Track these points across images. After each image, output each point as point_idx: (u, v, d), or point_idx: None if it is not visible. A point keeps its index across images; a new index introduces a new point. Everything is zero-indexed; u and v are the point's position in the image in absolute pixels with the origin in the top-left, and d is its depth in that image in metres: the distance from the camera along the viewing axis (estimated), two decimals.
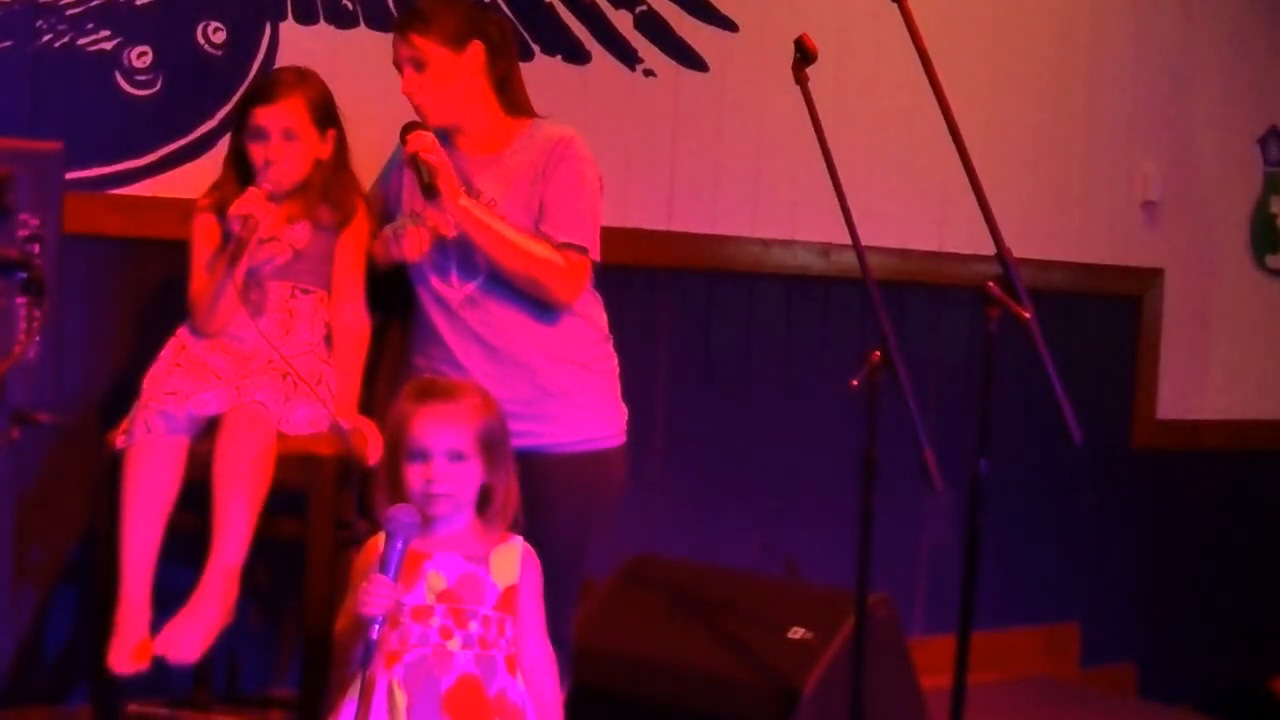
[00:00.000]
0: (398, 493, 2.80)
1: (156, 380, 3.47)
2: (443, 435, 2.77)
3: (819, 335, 5.09)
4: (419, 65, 3.49)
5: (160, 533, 3.34)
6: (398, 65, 3.53)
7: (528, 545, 2.85)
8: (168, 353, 3.57)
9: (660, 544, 4.71)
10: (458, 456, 2.77)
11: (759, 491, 5.04)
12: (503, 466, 2.82)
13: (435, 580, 2.75)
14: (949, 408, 4.79)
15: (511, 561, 2.80)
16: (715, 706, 4.05)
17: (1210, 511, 6.01)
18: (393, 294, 3.69)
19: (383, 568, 2.69)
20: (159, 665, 3.28)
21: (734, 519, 5.00)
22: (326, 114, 3.66)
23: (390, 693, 2.70)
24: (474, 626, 2.73)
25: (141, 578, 3.31)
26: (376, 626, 2.67)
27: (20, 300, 2.34)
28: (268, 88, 3.63)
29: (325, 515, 3.39)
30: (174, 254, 3.76)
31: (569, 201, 3.51)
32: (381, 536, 2.78)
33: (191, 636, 3.26)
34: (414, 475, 2.76)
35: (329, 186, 3.65)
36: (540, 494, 3.28)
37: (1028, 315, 3.24)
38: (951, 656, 3.45)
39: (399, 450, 2.77)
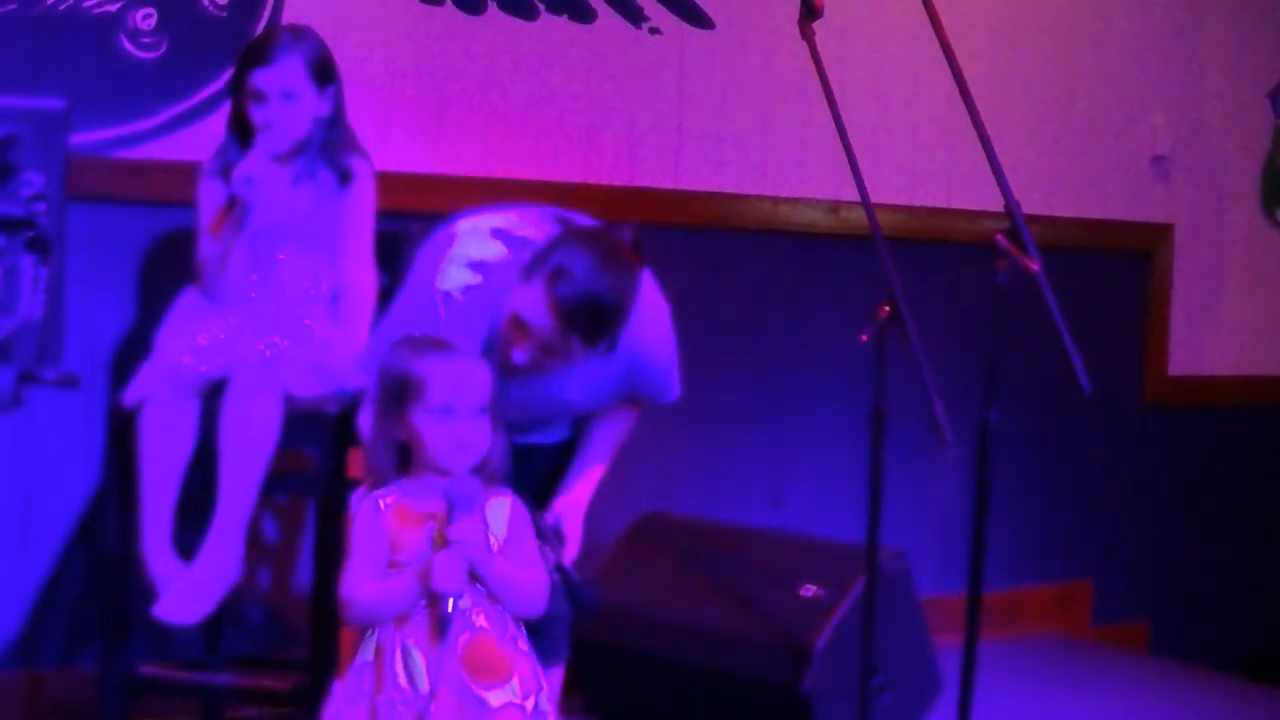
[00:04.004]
0: (399, 449, 2.80)
1: (166, 340, 3.48)
2: (468, 391, 2.76)
3: (827, 293, 5.09)
4: None
5: (176, 490, 3.36)
6: None
7: (515, 497, 2.86)
8: (175, 314, 3.58)
9: (669, 502, 4.72)
10: (481, 412, 2.77)
11: (768, 449, 5.05)
12: (497, 423, 2.83)
13: (439, 539, 2.75)
14: (958, 365, 4.76)
15: (501, 514, 2.81)
16: (726, 664, 4.07)
17: (1222, 467, 6.01)
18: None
19: (449, 542, 2.69)
20: (166, 628, 3.30)
21: (743, 476, 5.02)
22: (325, 71, 3.65)
23: (407, 654, 2.71)
24: (478, 583, 2.73)
25: (165, 533, 3.34)
26: (453, 601, 2.69)
27: (26, 259, 2.35)
28: (263, 49, 3.61)
29: (332, 474, 3.40)
30: (179, 217, 3.77)
31: None
32: (374, 495, 2.78)
33: (194, 597, 3.28)
34: (439, 431, 2.74)
35: (329, 145, 3.64)
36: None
37: (1035, 267, 3.24)
38: (962, 615, 3.45)
39: (413, 406, 2.75)
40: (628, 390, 3.33)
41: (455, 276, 3.15)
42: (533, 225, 3.17)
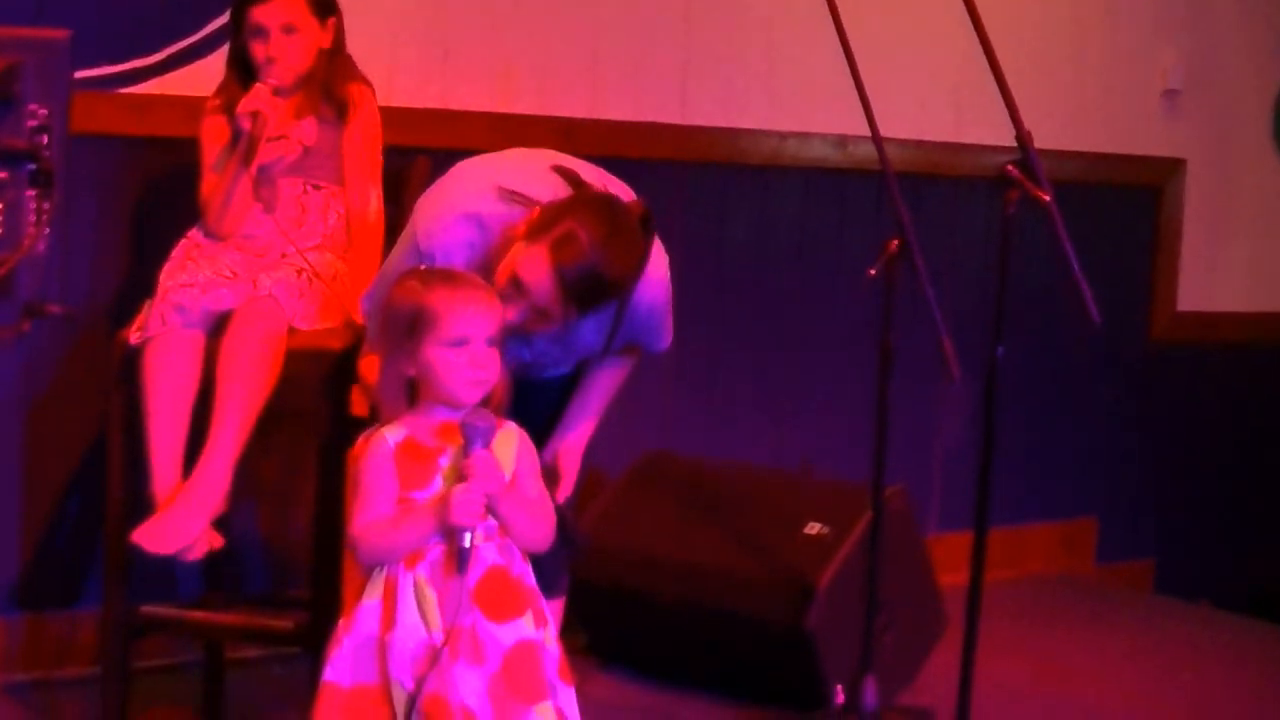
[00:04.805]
0: (407, 385, 2.80)
1: (171, 276, 3.49)
2: (481, 321, 2.76)
3: (835, 228, 5.09)
4: None
5: (185, 427, 3.37)
6: None
7: (521, 429, 2.86)
8: (179, 252, 3.58)
9: (672, 440, 4.74)
10: (493, 342, 2.78)
11: (773, 386, 5.06)
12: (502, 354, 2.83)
13: (451, 473, 2.76)
14: (966, 302, 4.77)
15: (509, 447, 2.82)
16: (730, 603, 4.09)
17: (1230, 404, 6.03)
18: None
19: (465, 476, 2.70)
20: (169, 567, 3.31)
21: (748, 414, 5.03)
22: (325, 3, 3.65)
23: (418, 591, 2.72)
24: (491, 518, 2.74)
25: (171, 472, 3.34)
26: (469, 535, 2.70)
27: (29, 192, 2.34)
28: None
29: (334, 410, 3.40)
30: (182, 152, 3.77)
31: None
32: (382, 432, 2.79)
33: (172, 528, 3.27)
34: (453, 363, 2.74)
35: (331, 76, 3.64)
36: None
37: (1047, 198, 3.24)
38: (967, 553, 3.47)
39: (425, 339, 2.75)
40: (623, 342, 3.31)
41: (453, 230, 3.13)
42: (537, 180, 3.13)
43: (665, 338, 3.38)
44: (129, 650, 3.53)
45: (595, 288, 2.96)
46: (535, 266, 2.94)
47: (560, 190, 3.08)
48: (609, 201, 3.05)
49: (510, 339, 3.04)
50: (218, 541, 3.33)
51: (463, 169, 3.22)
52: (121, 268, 4.02)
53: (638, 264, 3.03)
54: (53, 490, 4.06)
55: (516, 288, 2.96)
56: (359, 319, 3.42)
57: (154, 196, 4.05)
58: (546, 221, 2.97)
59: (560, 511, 3.05)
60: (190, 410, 3.38)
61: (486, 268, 3.05)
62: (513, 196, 3.09)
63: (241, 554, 4.14)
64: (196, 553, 3.31)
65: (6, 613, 4.03)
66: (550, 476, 3.22)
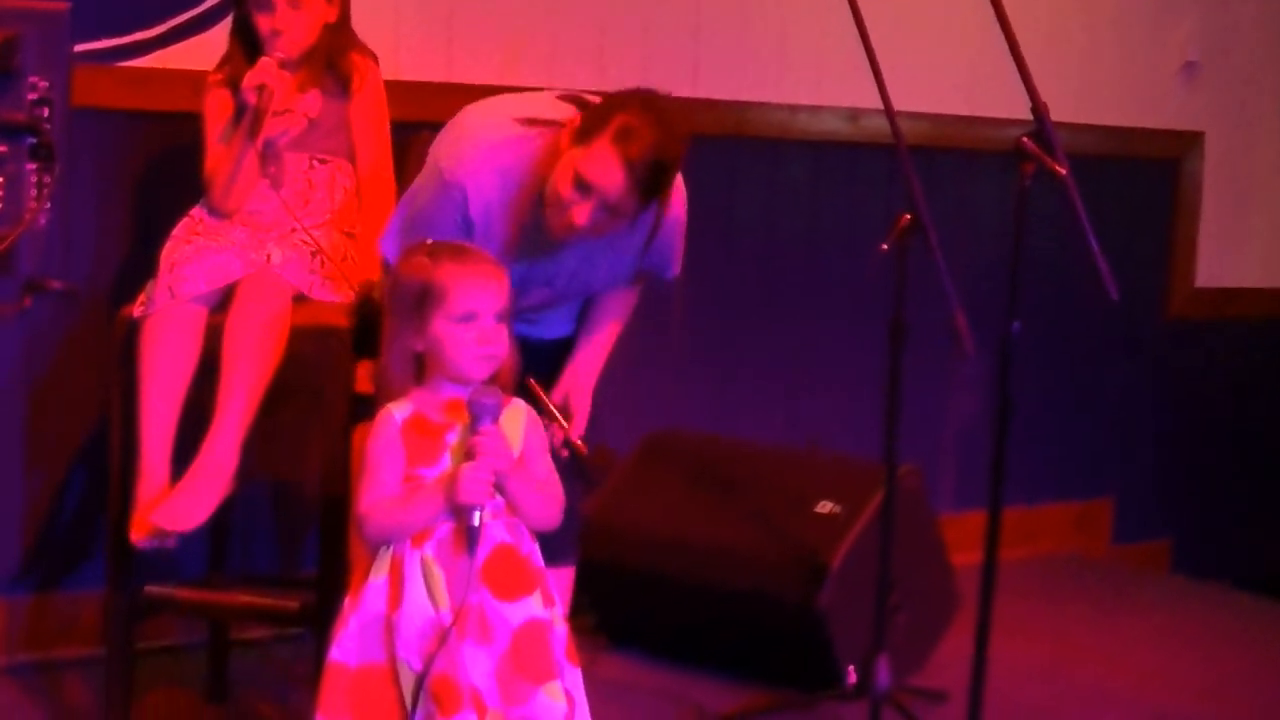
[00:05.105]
0: (414, 360, 2.81)
1: (174, 252, 3.49)
2: (490, 296, 2.77)
3: (846, 203, 5.09)
4: None
5: (179, 405, 3.36)
6: None
7: (528, 406, 2.88)
8: (182, 229, 3.59)
9: (681, 418, 4.74)
10: (501, 318, 2.79)
11: (783, 363, 5.06)
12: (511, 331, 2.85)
13: (459, 451, 2.77)
14: (979, 277, 4.78)
15: (518, 424, 2.83)
16: (740, 582, 4.10)
17: (1248, 382, 6.02)
18: None
19: (473, 453, 2.71)
20: (175, 546, 3.32)
21: (757, 392, 5.03)
22: None
23: (426, 569, 2.72)
24: (500, 496, 2.75)
25: (161, 451, 3.34)
26: (478, 513, 2.71)
27: (30, 166, 2.35)
28: None
29: (340, 388, 3.42)
30: (184, 127, 3.77)
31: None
32: (389, 408, 2.80)
33: (187, 504, 3.28)
34: (461, 339, 2.75)
35: (336, 50, 3.65)
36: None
37: (1063, 171, 3.24)
38: (981, 532, 3.47)
39: (433, 314, 2.76)
40: (640, 264, 3.41)
41: (480, 159, 3.20)
42: (547, 107, 3.24)
43: (677, 262, 3.49)
44: (132, 631, 3.53)
45: (659, 173, 3.10)
46: (603, 163, 3.05)
47: (571, 112, 3.17)
48: (645, 93, 3.17)
49: (538, 271, 3.19)
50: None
51: (471, 110, 3.32)
52: (124, 244, 4.03)
53: (685, 143, 3.16)
54: (55, 469, 4.08)
55: (583, 190, 3.07)
56: (367, 291, 3.43)
57: (157, 172, 4.05)
58: (595, 122, 3.09)
59: (574, 449, 3.19)
60: (185, 390, 3.37)
61: (524, 190, 3.18)
62: (531, 122, 3.21)
63: (247, 533, 4.15)
64: (171, 538, 3.31)
65: (9, 593, 4.05)
66: (563, 413, 3.31)
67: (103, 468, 3.60)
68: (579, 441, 3.29)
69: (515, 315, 2.97)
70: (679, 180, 3.28)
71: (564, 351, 3.50)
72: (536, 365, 3.30)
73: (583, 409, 3.41)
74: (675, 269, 3.51)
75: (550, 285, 3.33)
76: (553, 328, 3.48)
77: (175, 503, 3.28)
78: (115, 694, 3.50)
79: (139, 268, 3.66)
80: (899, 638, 3.95)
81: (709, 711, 3.94)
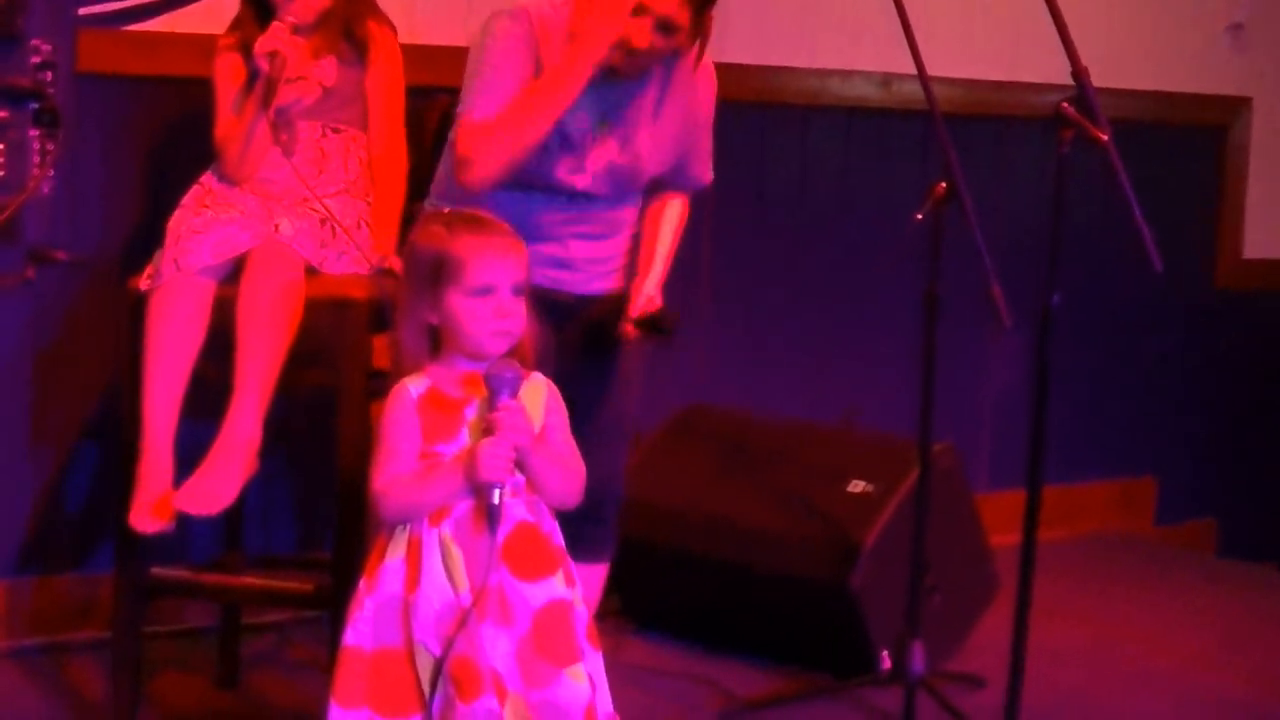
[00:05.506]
0: (430, 334, 2.80)
1: (183, 221, 3.48)
2: (507, 269, 2.76)
3: (878, 171, 5.07)
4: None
5: (184, 381, 3.35)
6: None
7: (549, 381, 2.86)
8: (192, 198, 3.58)
9: (709, 393, 4.73)
10: (519, 291, 2.78)
11: (814, 336, 5.05)
12: (528, 303, 2.84)
13: (477, 427, 2.76)
14: (1017, 247, 4.76)
15: (538, 399, 2.81)
16: (770, 563, 4.09)
17: None
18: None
19: (492, 428, 2.70)
20: (184, 526, 3.30)
21: (788, 365, 5.02)
22: None
23: (444, 548, 2.71)
24: (520, 473, 2.74)
25: (165, 429, 3.33)
26: (498, 491, 2.70)
27: (33, 132, 2.34)
28: None
29: (358, 363, 3.41)
30: (193, 92, 3.77)
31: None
32: (405, 383, 2.79)
33: (213, 488, 3.26)
34: (477, 313, 2.74)
35: (352, 15, 3.64)
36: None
37: (1105, 138, 3.22)
38: (1019, 512, 3.46)
39: (448, 287, 2.75)
40: (680, 156, 3.56)
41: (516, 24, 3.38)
42: None
43: (709, 164, 3.67)
44: (142, 614, 3.53)
45: None
46: None
47: None
48: None
49: (600, 112, 3.36)
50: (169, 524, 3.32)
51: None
52: (133, 214, 4.02)
53: None
54: (62, 446, 4.08)
55: (638, 10, 3.27)
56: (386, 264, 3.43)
57: (166, 140, 4.05)
58: None
59: (648, 308, 3.44)
60: (191, 366, 3.36)
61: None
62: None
63: (259, 514, 4.15)
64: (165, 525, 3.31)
65: (14, 574, 4.05)
66: (665, 314, 3.48)
67: (112, 445, 3.59)
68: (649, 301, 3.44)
69: (570, 210, 3.31)
70: (709, 61, 3.51)
71: (608, 307, 3.53)
72: (582, 318, 3.43)
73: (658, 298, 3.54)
74: (709, 172, 3.65)
75: (609, 131, 3.43)
76: (590, 279, 3.49)
77: (199, 485, 3.27)
78: (123, 679, 3.49)
79: (148, 237, 3.64)
80: (934, 621, 3.94)
81: (737, 697, 3.94)
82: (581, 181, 3.42)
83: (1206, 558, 5.75)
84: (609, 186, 3.46)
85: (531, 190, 3.40)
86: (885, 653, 3.89)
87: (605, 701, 2.81)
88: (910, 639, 3.68)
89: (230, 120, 3.59)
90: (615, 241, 3.55)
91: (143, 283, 3.40)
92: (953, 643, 4.18)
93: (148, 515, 3.28)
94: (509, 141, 3.31)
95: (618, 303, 3.53)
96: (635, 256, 3.59)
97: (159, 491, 3.29)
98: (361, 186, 3.63)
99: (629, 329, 3.45)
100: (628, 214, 3.56)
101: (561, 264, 3.46)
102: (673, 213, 3.65)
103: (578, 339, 3.49)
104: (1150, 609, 4.87)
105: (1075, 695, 4.09)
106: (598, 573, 3.53)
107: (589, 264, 3.50)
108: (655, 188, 3.61)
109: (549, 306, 3.21)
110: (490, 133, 3.31)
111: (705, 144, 3.64)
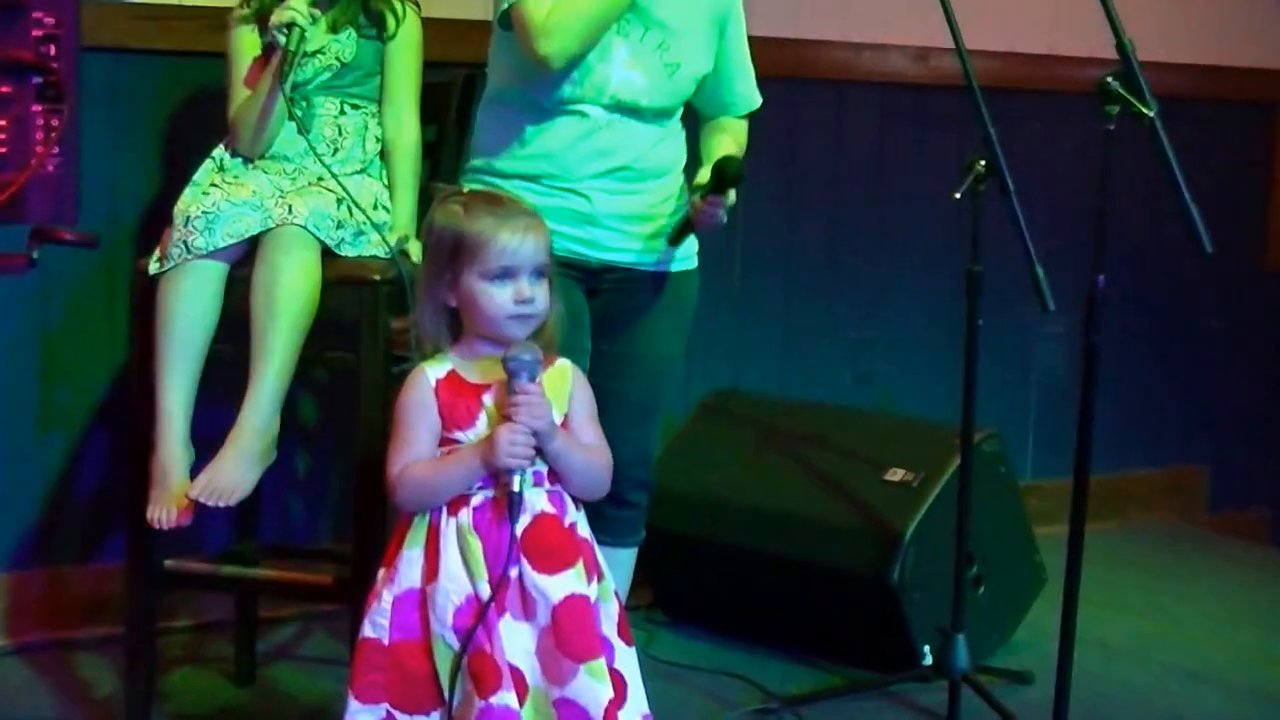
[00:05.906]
0: (449, 317, 2.79)
1: (192, 201, 3.46)
2: (527, 251, 2.75)
3: (914, 147, 5.06)
4: None
5: (199, 367, 3.34)
6: None
7: (574, 365, 2.85)
8: (201, 176, 3.57)
9: (742, 377, 4.72)
10: (540, 274, 2.76)
11: (849, 318, 5.04)
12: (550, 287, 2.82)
13: (495, 413, 2.74)
14: (1060, 228, 4.75)
15: (563, 384, 2.80)
16: (807, 554, 4.08)
17: None
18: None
19: (511, 414, 2.68)
20: (197, 517, 3.29)
21: (823, 348, 5.01)
22: None
23: (462, 538, 2.70)
24: (540, 462, 2.73)
25: (179, 419, 3.32)
26: (518, 478, 2.68)
27: (36, 108, 2.32)
28: None
29: (377, 346, 3.39)
30: (202, 67, 3.76)
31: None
32: (423, 367, 2.77)
33: (230, 478, 3.26)
34: (495, 296, 2.73)
35: None
36: (648, 307, 3.46)
37: (1151, 114, 3.20)
38: (1066, 502, 3.44)
39: (467, 270, 2.74)
40: (716, 64, 3.53)
41: None
42: None
43: (755, 86, 3.65)
44: (155, 607, 3.53)
45: None
46: None
47: None
48: None
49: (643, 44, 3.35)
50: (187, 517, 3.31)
51: None
52: (143, 191, 4.02)
53: None
54: (71, 433, 4.07)
55: None
56: (398, 245, 3.41)
57: (177, 116, 4.04)
58: None
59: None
60: (205, 351, 3.35)
61: None
62: None
63: (276, 503, 4.14)
64: (183, 518, 3.29)
65: (22, 567, 4.05)
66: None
67: (123, 431, 3.58)
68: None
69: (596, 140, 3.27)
70: None
71: (681, 281, 3.51)
72: (637, 300, 3.41)
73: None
74: (756, 95, 3.65)
75: (649, 24, 3.38)
76: (621, 239, 3.44)
77: (215, 475, 3.27)
78: (137, 674, 3.49)
79: (160, 216, 3.64)
80: (978, 615, 3.92)
81: (774, 694, 3.92)
82: (618, 75, 3.35)
83: (1260, 549, 5.71)
84: (644, 82, 3.39)
85: (554, 116, 3.36)
86: (927, 648, 3.87)
87: (639, 701, 2.79)
88: (953, 633, 3.65)
89: (244, 95, 3.57)
90: (644, 198, 3.46)
91: (151, 266, 3.38)
92: (998, 637, 4.17)
93: (165, 510, 3.27)
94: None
95: (650, 281, 3.49)
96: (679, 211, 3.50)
97: (174, 485, 3.28)
98: (378, 164, 3.62)
99: (696, 202, 3.31)
100: (660, 153, 3.48)
101: (586, 219, 3.38)
102: (732, 124, 3.62)
103: (605, 313, 3.45)
104: (1201, 602, 4.85)
105: (1125, 690, 4.06)
106: (626, 557, 3.50)
107: (618, 221, 3.44)
108: (708, 110, 3.61)
109: (577, 274, 3.19)
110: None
111: (744, 59, 3.61)
